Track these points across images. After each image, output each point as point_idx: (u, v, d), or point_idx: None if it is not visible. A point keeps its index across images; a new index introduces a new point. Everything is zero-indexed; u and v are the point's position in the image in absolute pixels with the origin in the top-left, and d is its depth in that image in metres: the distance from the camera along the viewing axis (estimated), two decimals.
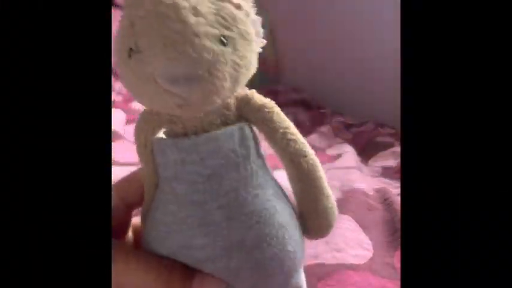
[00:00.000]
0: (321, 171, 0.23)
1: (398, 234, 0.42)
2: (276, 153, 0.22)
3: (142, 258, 0.21)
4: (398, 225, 0.43)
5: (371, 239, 0.41)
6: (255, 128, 0.22)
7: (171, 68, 0.17)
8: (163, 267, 0.21)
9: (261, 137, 0.22)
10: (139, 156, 0.23)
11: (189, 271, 0.21)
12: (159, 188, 0.22)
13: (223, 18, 0.18)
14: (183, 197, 0.20)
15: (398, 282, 0.34)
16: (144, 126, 0.22)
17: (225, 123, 0.21)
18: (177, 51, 0.17)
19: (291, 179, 0.23)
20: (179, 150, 0.20)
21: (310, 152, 0.23)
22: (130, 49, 0.18)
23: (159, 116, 0.21)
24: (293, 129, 0.22)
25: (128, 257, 0.21)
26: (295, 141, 0.22)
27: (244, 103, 0.22)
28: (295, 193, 0.23)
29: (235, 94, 0.21)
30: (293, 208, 0.23)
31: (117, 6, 1.27)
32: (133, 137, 0.23)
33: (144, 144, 0.22)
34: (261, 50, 0.20)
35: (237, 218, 0.20)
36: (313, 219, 0.23)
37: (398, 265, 0.37)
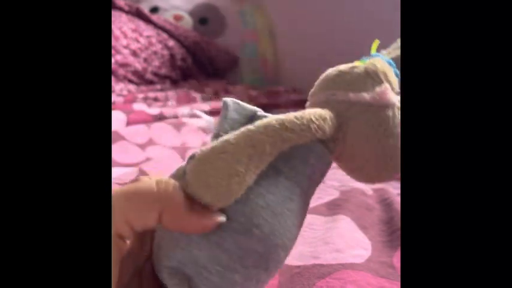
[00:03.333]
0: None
1: (397, 234, 0.42)
2: None
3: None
4: (397, 225, 0.43)
5: (370, 239, 0.41)
6: None
7: None
8: None
9: None
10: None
11: None
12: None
13: None
14: None
15: (398, 282, 0.34)
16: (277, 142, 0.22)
17: None
18: None
19: None
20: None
21: None
22: None
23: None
24: None
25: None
26: None
27: None
28: None
29: None
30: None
31: (118, 8, 1.27)
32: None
33: (270, 153, 0.22)
34: None
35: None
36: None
37: (397, 265, 0.37)
